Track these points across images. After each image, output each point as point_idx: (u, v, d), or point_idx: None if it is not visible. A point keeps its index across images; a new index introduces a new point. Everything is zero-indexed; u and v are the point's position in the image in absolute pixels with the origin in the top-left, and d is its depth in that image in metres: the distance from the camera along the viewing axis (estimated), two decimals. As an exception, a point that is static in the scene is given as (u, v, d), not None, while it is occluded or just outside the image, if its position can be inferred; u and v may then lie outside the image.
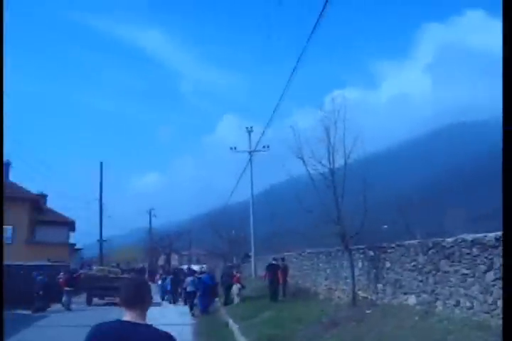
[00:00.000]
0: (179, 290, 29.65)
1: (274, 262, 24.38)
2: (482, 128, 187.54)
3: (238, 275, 25.69)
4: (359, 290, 15.42)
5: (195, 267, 42.78)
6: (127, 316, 3.57)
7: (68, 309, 26.77)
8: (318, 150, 15.21)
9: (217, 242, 51.75)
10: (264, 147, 41.57)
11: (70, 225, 52.81)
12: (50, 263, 35.41)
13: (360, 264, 15.84)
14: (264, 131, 35.16)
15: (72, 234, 56.79)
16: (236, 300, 24.09)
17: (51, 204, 52.63)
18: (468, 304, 9.69)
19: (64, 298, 27.51)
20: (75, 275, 30.66)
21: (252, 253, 39.08)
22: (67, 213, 51.75)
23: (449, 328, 9.31)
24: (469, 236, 9.77)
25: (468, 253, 9.70)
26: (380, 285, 14.35)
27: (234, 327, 17.01)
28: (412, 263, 12.26)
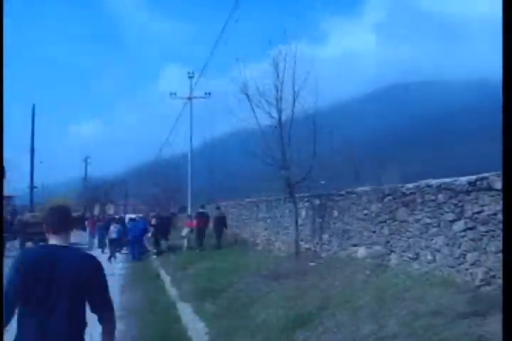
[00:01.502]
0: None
1: (201, 210, 24.00)
2: (423, 90, 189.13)
3: (195, 221, 24.13)
4: (301, 241, 14.27)
5: (132, 216, 41.34)
6: (53, 241, 3.85)
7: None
8: (265, 88, 13.75)
9: (154, 193, 50.34)
10: (206, 94, 39.82)
11: (-2, 171, 49.93)
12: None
13: (303, 214, 14.66)
14: (201, 72, 33.68)
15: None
16: (185, 245, 23.16)
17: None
18: (429, 257, 8.56)
19: None
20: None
21: (188, 205, 37.73)
22: (-2, 160, 48.82)
23: (407, 284, 8.18)
24: (435, 181, 8.56)
25: (432, 200, 8.51)
26: (325, 236, 13.20)
27: (165, 278, 15.72)
28: (364, 212, 11.07)
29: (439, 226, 8.34)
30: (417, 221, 8.94)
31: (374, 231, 10.59)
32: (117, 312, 11.12)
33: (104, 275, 3.98)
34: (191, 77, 38.41)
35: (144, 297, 13.36)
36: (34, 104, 48.78)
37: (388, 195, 10.05)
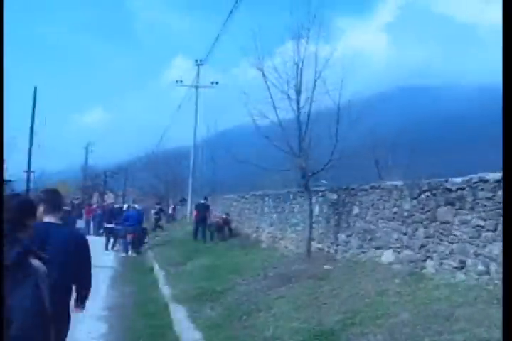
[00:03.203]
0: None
1: (203, 201, 23.16)
2: (432, 94, 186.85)
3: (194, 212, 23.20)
4: (313, 240, 12.70)
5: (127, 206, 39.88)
6: (46, 219, 4.42)
7: None
8: (284, 66, 12.22)
9: (154, 183, 49.11)
10: (212, 83, 38.33)
11: (-6, 153, 48.21)
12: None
13: (316, 209, 13.09)
14: (206, 59, 32.40)
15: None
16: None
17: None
18: (480, 267, 6.99)
19: None
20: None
21: (188, 197, 36.26)
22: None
23: (454, 299, 6.63)
24: (492, 175, 6.99)
25: (488, 198, 6.94)
26: (342, 236, 11.64)
27: (159, 274, 14.18)
28: (394, 210, 9.51)
29: (495, 230, 6.78)
30: (465, 222, 7.39)
31: (405, 233, 9.03)
32: (101, 312, 9.62)
33: (89, 252, 4.60)
34: (199, 65, 36.93)
35: (132, 295, 11.87)
36: (36, 87, 47.29)
37: (427, 190, 8.49)
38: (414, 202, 8.82)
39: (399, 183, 9.59)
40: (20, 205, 2.85)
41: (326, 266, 10.46)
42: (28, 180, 48.78)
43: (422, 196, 8.60)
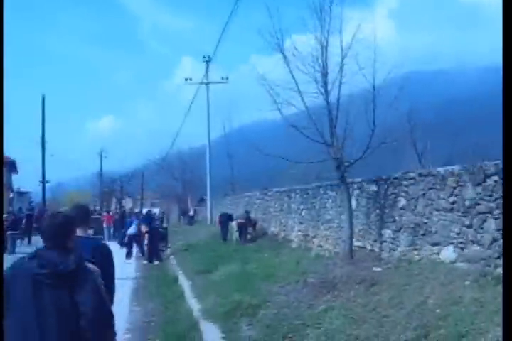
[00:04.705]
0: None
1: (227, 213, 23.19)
2: (442, 78, 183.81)
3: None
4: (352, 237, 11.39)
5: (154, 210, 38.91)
6: (77, 233, 4.16)
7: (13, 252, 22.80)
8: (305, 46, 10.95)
9: (171, 185, 48.19)
10: (223, 78, 37.19)
11: (9, 165, 47.29)
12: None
13: (353, 204, 11.78)
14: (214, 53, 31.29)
15: (14, 176, 51.91)
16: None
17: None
18: None
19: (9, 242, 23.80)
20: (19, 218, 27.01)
21: (207, 197, 35.10)
22: (12, 154, 46.35)
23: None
24: None
25: None
26: (387, 232, 10.35)
27: (185, 284, 12.93)
28: (451, 199, 8.19)
29: None
30: (553, 210, 6.06)
31: (469, 226, 7.72)
32: (124, 335, 8.43)
33: (113, 262, 4.62)
34: (207, 61, 35.66)
35: (157, 311, 10.63)
36: (44, 95, 46.15)
37: (494, 174, 7.17)
38: (479, 188, 7.50)
39: (455, 168, 8.26)
40: (68, 222, 3.50)
41: (375, 268, 9.16)
42: (43, 190, 47.88)
43: (489, 181, 7.28)
